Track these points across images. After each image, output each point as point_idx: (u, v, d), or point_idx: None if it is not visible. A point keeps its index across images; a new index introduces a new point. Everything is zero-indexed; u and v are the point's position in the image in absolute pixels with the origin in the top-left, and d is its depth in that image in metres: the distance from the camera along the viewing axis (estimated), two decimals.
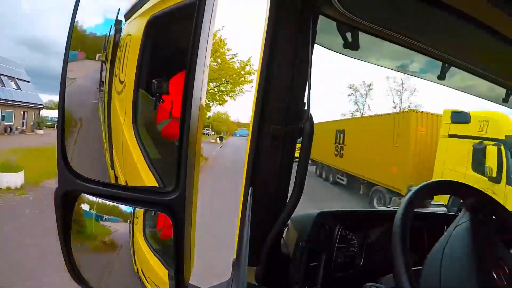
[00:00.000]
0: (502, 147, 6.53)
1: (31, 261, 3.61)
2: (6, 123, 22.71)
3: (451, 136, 7.45)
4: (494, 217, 0.91)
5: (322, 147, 12.68)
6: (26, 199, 6.59)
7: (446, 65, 1.23)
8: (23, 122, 24.81)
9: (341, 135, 11.85)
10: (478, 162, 6.76)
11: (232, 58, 17.99)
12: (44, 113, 31.27)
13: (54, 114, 32.68)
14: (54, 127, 27.46)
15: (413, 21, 0.95)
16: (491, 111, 7.04)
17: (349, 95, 32.68)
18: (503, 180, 6.34)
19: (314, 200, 7.90)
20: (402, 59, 1.32)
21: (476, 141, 6.87)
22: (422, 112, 9.00)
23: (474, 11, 0.81)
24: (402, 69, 1.46)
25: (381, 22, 0.95)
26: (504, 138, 6.59)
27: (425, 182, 0.89)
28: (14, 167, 7.75)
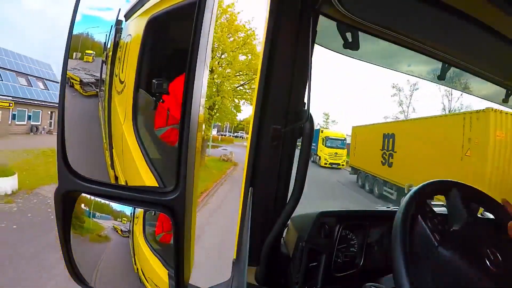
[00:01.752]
0: None
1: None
2: (32, 123, 22.70)
3: None
4: (494, 217, 0.91)
5: (366, 154, 11.26)
6: (9, 209, 5.94)
7: (446, 65, 1.23)
8: (50, 122, 24.53)
9: (391, 140, 9.88)
10: None
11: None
12: None
13: None
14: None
15: (413, 21, 0.95)
16: None
17: (392, 95, 27.69)
18: None
19: None
20: (402, 59, 1.32)
21: None
22: (501, 111, 6.65)
23: (474, 11, 0.81)
24: (402, 68, 1.46)
25: (381, 22, 0.95)
26: None
27: (425, 182, 0.89)
28: (6, 170, 7.08)
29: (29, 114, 22.34)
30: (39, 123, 23.21)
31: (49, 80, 25.73)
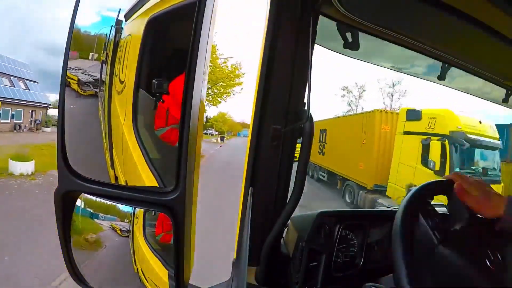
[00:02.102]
0: (446, 142, 7.10)
1: (38, 224, 5.32)
2: (15, 121, 24.46)
3: (405, 133, 8.24)
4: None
5: None
6: (35, 183, 8.24)
7: (446, 65, 1.23)
8: (31, 121, 26.55)
9: (324, 134, 12.75)
10: (425, 156, 7.52)
11: (225, 62, 19.57)
12: (52, 112, 33.28)
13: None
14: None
15: (413, 21, 0.95)
16: (440, 109, 7.75)
17: (342, 96, 33.85)
18: (447, 173, 6.67)
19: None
20: (402, 59, 1.32)
21: (425, 137, 7.58)
22: (386, 111, 9.91)
23: (474, 11, 0.81)
24: (402, 69, 1.46)
25: (381, 22, 0.95)
26: (448, 134, 7.14)
27: (425, 182, 0.89)
28: (26, 157, 9.58)
29: (13, 113, 24.03)
30: (21, 121, 25.00)
31: (29, 80, 27.24)
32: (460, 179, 0.84)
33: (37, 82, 28.90)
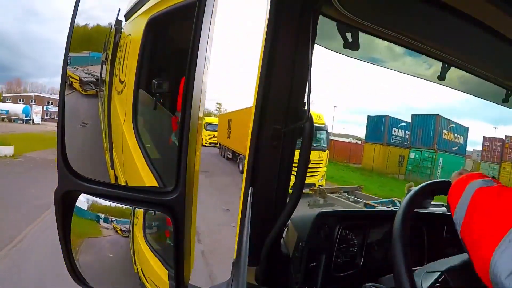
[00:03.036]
0: None
1: (20, 192, 7.02)
2: None
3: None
4: None
5: (222, 133, 18.40)
6: (18, 161, 11.26)
7: (446, 65, 1.23)
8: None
9: (230, 123, 16.24)
10: None
11: None
12: None
13: (4, 106, 38.92)
14: (3, 120, 34.22)
15: (413, 21, 0.95)
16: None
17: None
18: None
19: (210, 170, 12.48)
20: (402, 59, 1.32)
21: None
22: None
23: (474, 11, 0.81)
24: (402, 68, 1.46)
25: (381, 22, 0.95)
26: None
27: (425, 182, 0.89)
28: (6, 142, 12.59)
29: None
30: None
31: None
32: None
33: None
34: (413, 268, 0.69)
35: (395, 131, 20.68)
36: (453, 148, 18.95)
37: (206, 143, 23.23)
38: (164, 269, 0.62)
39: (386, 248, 1.19)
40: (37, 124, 38.02)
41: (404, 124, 20.70)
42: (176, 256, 0.56)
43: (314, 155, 10.65)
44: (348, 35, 1.00)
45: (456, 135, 19.37)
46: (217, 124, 22.26)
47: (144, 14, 0.61)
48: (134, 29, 0.63)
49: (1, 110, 37.45)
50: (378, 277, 1.04)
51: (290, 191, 0.95)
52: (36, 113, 41.06)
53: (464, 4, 0.79)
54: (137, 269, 0.65)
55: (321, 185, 10.55)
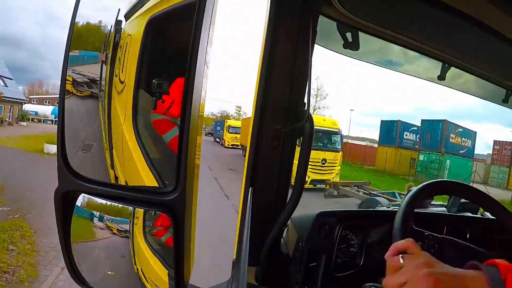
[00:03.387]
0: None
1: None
2: None
3: None
4: (493, 217, 0.91)
5: (245, 135, 19.70)
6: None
7: (446, 65, 1.23)
8: (10, 115, 29.84)
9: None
10: None
11: None
12: (27, 107, 38.11)
13: (34, 108, 41.36)
14: (32, 120, 36.16)
15: (413, 21, 0.95)
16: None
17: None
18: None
19: (237, 169, 12.89)
20: (402, 59, 1.32)
21: None
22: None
23: (474, 11, 0.81)
24: (402, 68, 1.46)
25: (381, 22, 0.95)
26: None
27: (425, 183, 0.89)
28: (54, 141, 13.29)
29: None
30: (2, 115, 27.79)
31: (5, 77, 29.79)
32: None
33: (11, 79, 31.34)
34: None
35: (406, 135, 22.32)
36: (460, 151, 19.98)
37: (228, 145, 25.91)
38: (164, 269, 0.62)
39: (386, 248, 1.19)
40: None
41: (415, 128, 22.17)
42: (176, 256, 0.56)
43: (329, 155, 11.96)
44: (348, 35, 1.00)
45: (463, 139, 20.44)
46: (238, 127, 24.44)
47: (144, 14, 0.61)
48: (134, 29, 0.63)
49: (31, 111, 39.58)
50: (378, 277, 1.04)
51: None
52: None
53: (464, 4, 0.79)
54: (137, 269, 0.65)
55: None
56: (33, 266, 4.21)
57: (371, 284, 0.89)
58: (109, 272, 0.70)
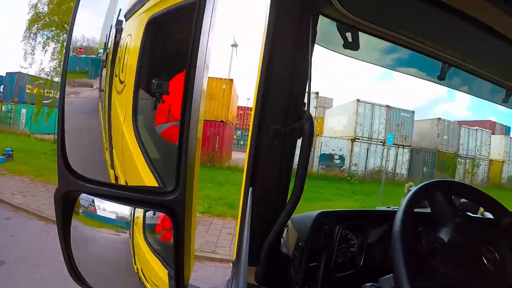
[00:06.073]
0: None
1: None
2: None
3: None
4: (494, 217, 0.91)
5: None
6: None
7: (446, 65, 1.23)
8: None
9: None
10: None
11: None
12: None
13: None
14: None
15: (413, 21, 0.95)
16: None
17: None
18: None
19: None
20: (402, 59, 1.32)
21: None
22: None
23: (474, 11, 0.81)
24: (402, 68, 1.46)
25: (381, 22, 0.95)
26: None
27: (425, 182, 0.89)
28: None
29: None
30: None
31: None
32: None
33: None
34: None
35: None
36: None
37: None
38: (164, 269, 0.62)
39: (386, 248, 1.19)
40: None
41: None
42: (176, 256, 0.56)
43: None
44: (348, 35, 1.00)
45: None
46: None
47: (144, 14, 0.61)
48: (134, 29, 0.63)
49: None
50: (378, 277, 1.04)
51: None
52: None
53: (464, 4, 0.79)
54: (137, 269, 0.65)
55: None
56: None
57: (371, 284, 0.89)
58: (109, 272, 0.70)
